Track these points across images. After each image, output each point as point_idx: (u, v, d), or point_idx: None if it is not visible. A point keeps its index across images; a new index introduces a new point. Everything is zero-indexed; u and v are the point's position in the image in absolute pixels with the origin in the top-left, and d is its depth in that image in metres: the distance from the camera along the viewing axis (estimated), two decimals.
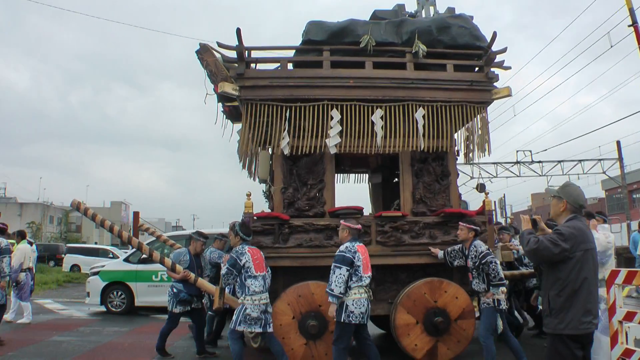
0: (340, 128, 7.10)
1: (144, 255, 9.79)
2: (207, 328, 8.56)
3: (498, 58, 7.60)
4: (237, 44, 7.08)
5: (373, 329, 8.67)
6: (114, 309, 12.50)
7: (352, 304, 5.84)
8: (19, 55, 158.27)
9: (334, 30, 7.45)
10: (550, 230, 4.43)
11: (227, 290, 7.20)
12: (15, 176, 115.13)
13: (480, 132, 7.49)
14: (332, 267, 5.91)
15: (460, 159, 8.09)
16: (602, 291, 5.44)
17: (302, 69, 7.50)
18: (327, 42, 7.43)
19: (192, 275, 7.13)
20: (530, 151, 29.57)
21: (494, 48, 7.48)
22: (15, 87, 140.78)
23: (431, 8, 8.72)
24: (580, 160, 29.52)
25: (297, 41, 7.70)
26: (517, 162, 29.71)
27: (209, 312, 8.56)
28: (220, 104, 8.16)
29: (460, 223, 6.63)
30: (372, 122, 7.15)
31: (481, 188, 10.52)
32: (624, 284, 5.52)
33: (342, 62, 7.44)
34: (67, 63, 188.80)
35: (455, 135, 7.82)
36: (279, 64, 7.54)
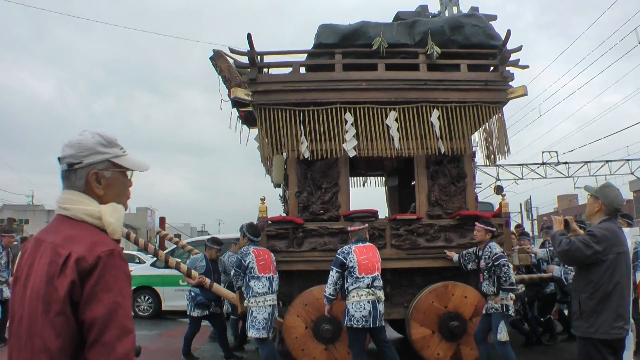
0: (355, 131, 7.06)
1: None
2: (232, 332, 8.62)
3: (513, 57, 7.47)
4: (249, 49, 7.09)
5: (391, 333, 8.58)
6: (141, 313, 12.63)
7: (352, 308, 5.83)
8: (44, 65, 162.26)
9: (346, 32, 7.41)
10: (582, 232, 4.35)
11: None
12: (42, 184, 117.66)
13: (497, 133, 7.38)
14: None
15: (481, 161, 8.01)
16: None
17: (314, 72, 7.48)
18: (339, 45, 7.39)
19: (208, 280, 7.14)
20: (556, 152, 28.98)
21: (509, 46, 7.37)
22: (40, 97, 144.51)
23: (454, 8, 8.63)
24: (607, 161, 28.83)
25: (311, 45, 7.69)
26: (543, 164, 29.11)
27: (232, 317, 8.59)
28: (235, 110, 8.18)
29: (476, 224, 6.48)
30: (387, 125, 7.09)
31: (498, 190, 10.41)
32: None
33: (354, 64, 7.40)
34: (90, 72, 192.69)
35: (473, 137, 7.73)
36: (291, 68, 7.53)
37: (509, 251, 7.04)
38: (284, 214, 7.82)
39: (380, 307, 5.92)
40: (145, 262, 17.13)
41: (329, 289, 6.02)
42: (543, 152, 29.27)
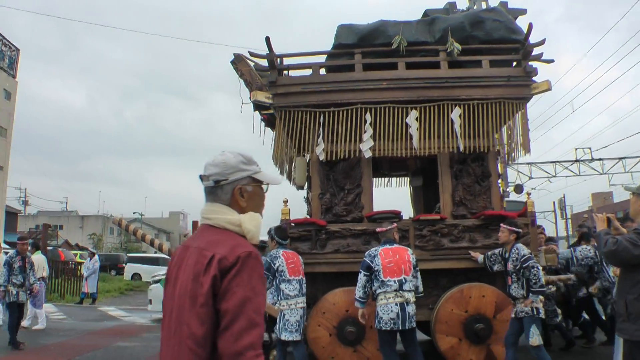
0: (372, 131, 6.99)
1: None
2: None
3: (537, 51, 7.31)
4: (268, 52, 7.09)
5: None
6: None
7: (380, 310, 5.78)
8: (75, 75, 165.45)
9: (365, 32, 7.36)
10: (625, 230, 4.24)
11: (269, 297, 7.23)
12: (76, 190, 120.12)
13: (521, 130, 7.24)
14: None
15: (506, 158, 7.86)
16: None
17: (334, 73, 7.45)
18: (358, 45, 7.35)
19: None
20: (590, 148, 28.29)
21: (533, 40, 7.22)
22: (72, 106, 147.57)
23: (483, 4, 8.55)
24: None
25: (331, 46, 7.66)
26: (577, 161, 28.47)
27: None
28: (257, 112, 8.19)
29: (501, 225, 6.30)
30: (407, 124, 7.02)
31: (518, 189, 10.23)
32: None
33: (374, 64, 7.34)
34: (120, 80, 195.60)
35: (497, 135, 7.60)
36: (311, 70, 7.51)
37: (536, 251, 6.89)
38: (308, 216, 7.80)
39: (410, 309, 5.82)
40: None
41: (358, 292, 6.00)
42: (576, 149, 28.71)
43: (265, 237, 9.98)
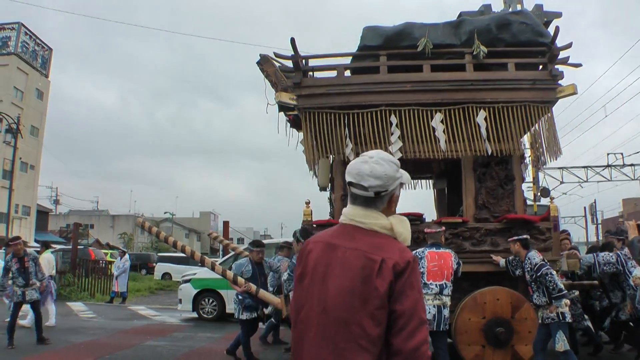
0: (399, 132, 7.00)
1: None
2: (264, 331, 8.75)
3: (565, 54, 7.24)
4: (293, 53, 7.14)
5: None
6: (205, 316, 12.87)
7: None
8: (107, 75, 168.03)
9: (390, 34, 7.36)
10: None
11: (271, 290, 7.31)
12: (107, 190, 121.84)
13: (547, 134, 7.16)
14: None
15: (531, 162, 7.78)
16: None
17: (359, 75, 7.47)
18: (383, 47, 7.35)
19: (254, 287, 7.20)
20: (622, 154, 28.01)
21: (562, 44, 7.15)
22: (103, 106, 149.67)
23: (518, 6, 8.49)
24: None
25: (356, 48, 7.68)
26: (608, 166, 28.20)
27: (272, 320, 8.67)
28: (282, 113, 8.26)
29: (509, 239, 6.43)
30: (433, 127, 7.00)
31: (545, 193, 10.10)
32: None
33: (399, 66, 7.34)
34: (152, 80, 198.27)
35: (524, 139, 7.53)
36: (335, 72, 7.54)
37: (557, 256, 6.82)
38: (331, 217, 7.83)
39: (446, 312, 5.96)
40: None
41: None
42: (608, 154, 28.40)
43: (289, 239, 10.11)
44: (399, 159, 7.03)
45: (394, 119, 7.01)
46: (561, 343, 5.90)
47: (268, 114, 7.91)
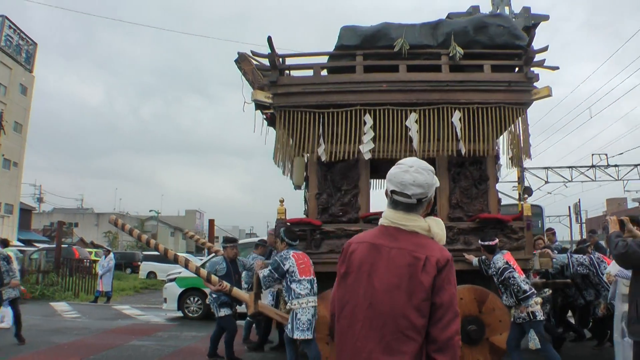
0: (373, 133, 7.01)
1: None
2: (244, 333, 8.73)
3: (541, 57, 7.29)
4: (270, 52, 7.14)
5: None
6: (190, 315, 12.84)
7: None
8: (93, 71, 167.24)
9: (367, 34, 7.37)
10: (639, 233, 4.25)
11: (270, 298, 7.31)
12: (92, 187, 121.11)
13: (522, 135, 7.21)
14: None
15: (506, 163, 7.81)
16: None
17: (335, 74, 7.49)
18: (361, 47, 7.36)
19: (228, 285, 7.18)
20: (606, 154, 28.31)
21: (546, 46, 7.20)
22: (89, 102, 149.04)
23: (506, 8, 8.56)
24: None
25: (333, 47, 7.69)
26: (593, 166, 28.50)
27: (248, 318, 8.67)
28: (259, 112, 8.24)
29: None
30: (407, 127, 7.03)
31: (527, 192, 10.19)
32: None
33: (375, 66, 7.35)
34: (139, 77, 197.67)
35: (500, 140, 7.57)
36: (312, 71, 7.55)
37: (530, 255, 6.88)
38: (305, 216, 7.83)
39: None
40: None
41: None
42: (593, 155, 28.71)
43: (265, 237, 10.09)
44: (368, 160, 7.12)
45: (368, 119, 7.02)
46: (532, 342, 5.97)
47: (245, 112, 7.90)
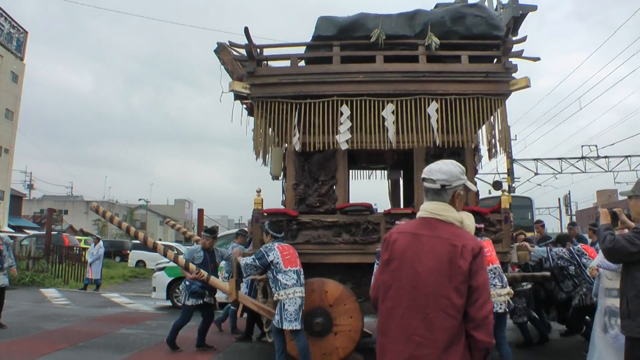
0: (350, 124, 6.99)
1: None
2: (231, 322, 8.75)
3: (520, 48, 7.24)
4: (247, 42, 7.10)
5: None
6: (179, 304, 12.78)
7: None
8: (81, 59, 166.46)
9: (344, 25, 7.34)
10: (632, 224, 4.23)
11: (244, 286, 7.31)
12: (82, 175, 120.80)
13: (500, 126, 7.19)
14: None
15: (486, 154, 7.80)
16: (618, 302, 5.09)
17: (312, 65, 7.45)
18: (337, 37, 7.32)
19: (205, 274, 7.21)
20: (596, 146, 28.46)
21: (536, 37, 7.17)
22: (79, 90, 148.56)
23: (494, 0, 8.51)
24: None
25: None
26: (583, 158, 28.58)
27: (232, 307, 8.70)
28: (238, 102, 8.20)
29: None
30: (384, 118, 7.01)
31: (497, 185, 10.19)
32: None
33: (352, 57, 7.32)
34: (127, 65, 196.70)
35: (480, 131, 7.55)
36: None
37: (508, 248, 6.89)
38: (283, 206, 7.84)
39: None
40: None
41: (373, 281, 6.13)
42: (582, 146, 28.77)
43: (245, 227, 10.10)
44: (345, 150, 7.11)
45: (345, 109, 7.00)
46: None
47: (227, 102, 7.86)
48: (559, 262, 7.63)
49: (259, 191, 7.07)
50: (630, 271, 3.94)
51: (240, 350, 8.09)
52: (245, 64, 7.41)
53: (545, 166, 29.34)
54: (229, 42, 7.51)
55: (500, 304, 6.05)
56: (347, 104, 7.03)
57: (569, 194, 40.87)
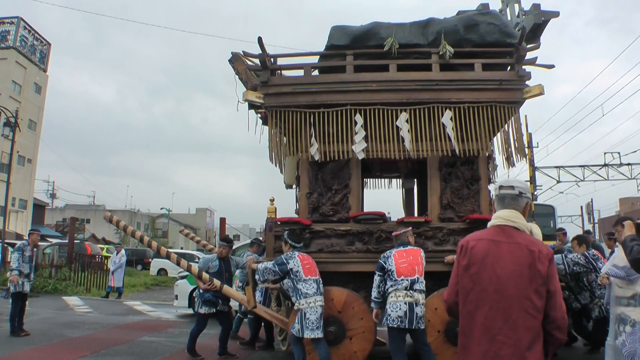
0: (365, 133, 7.01)
1: None
2: (234, 326, 8.80)
3: (532, 55, 7.23)
4: (260, 52, 7.15)
5: None
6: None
7: (389, 308, 5.94)
8: (105, 70, 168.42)
9: (357, 34, 7.37)
10: None
11: (259, 294, 7.34)
12: (104, 185, 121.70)
13: (516, 135, 7.14)
14: None
15: (502, 163, 7.74)
16: (627, 310, 5.02)
17: (325, 74, 7.49)
18: (351, 47, 7.35)
19: (218, 283, 7.24)
20: (619, 153, 27.96)
21: (556, 43, 7.15)
22: (101, 101, 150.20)
23: (516, 6, 8.47)
24: None
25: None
26: (605, 165, 28.14)
27: (250, 316, 8.70)
28: (252, 111, 8.26)
29: None
30: (397, 127, 7.00)
31: None
32: None
33: (365, 66, 7.33)
34: (150, 76, 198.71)
35: (495, 139, 7.50)
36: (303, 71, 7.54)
37: None
38: (296, 215, 7.85)
39: (418, 310, 5.93)
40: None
41: (373, 292, 6.21)
42: (605, 153, 28.33)
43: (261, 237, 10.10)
44: (359, 160, 7.12)
45: (359, 119, 7.02)
46: None
47: (242, 111, 7.93)
48: (574, 268, 7.50)
49: (272, 200, 7.12)
50: None
51: (262, 358, 8.09)
52: (259, 73, 7.47)
53: (567, 174, 28.98)
54: (243, 51, 7.59)
55: None
56: (360, 113, 7.05)
57: (592, 201, 40.41)
